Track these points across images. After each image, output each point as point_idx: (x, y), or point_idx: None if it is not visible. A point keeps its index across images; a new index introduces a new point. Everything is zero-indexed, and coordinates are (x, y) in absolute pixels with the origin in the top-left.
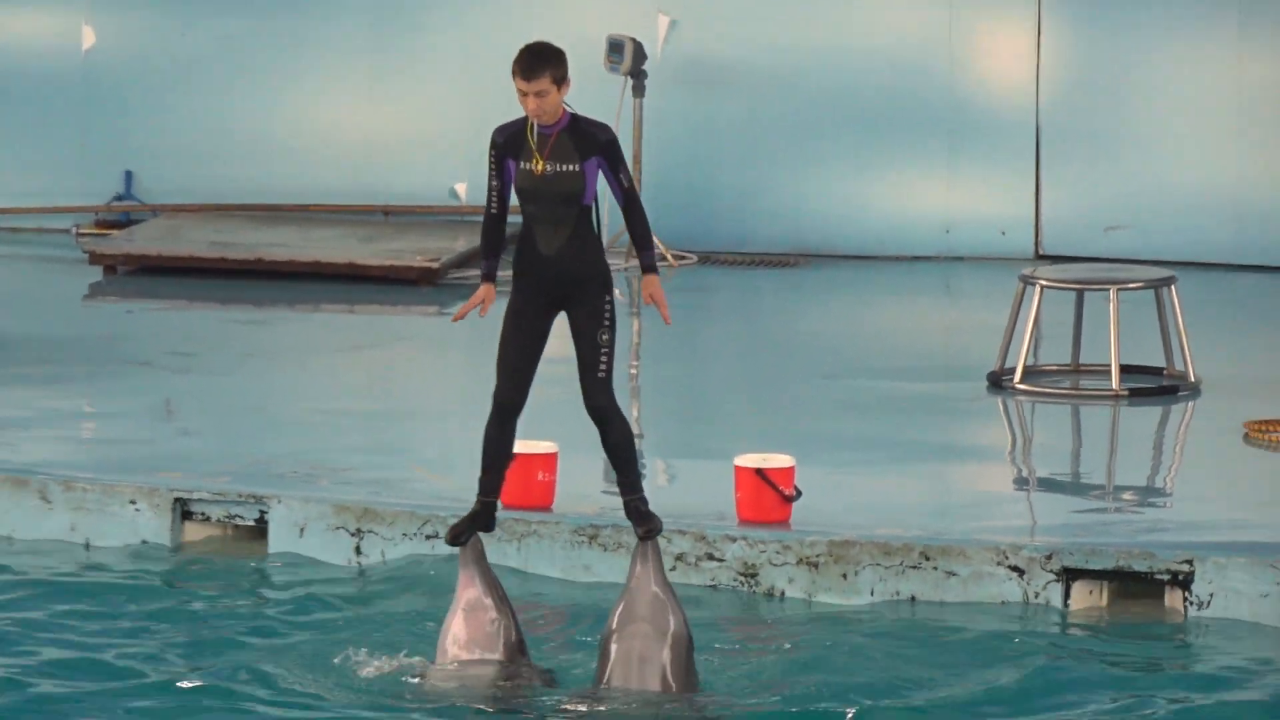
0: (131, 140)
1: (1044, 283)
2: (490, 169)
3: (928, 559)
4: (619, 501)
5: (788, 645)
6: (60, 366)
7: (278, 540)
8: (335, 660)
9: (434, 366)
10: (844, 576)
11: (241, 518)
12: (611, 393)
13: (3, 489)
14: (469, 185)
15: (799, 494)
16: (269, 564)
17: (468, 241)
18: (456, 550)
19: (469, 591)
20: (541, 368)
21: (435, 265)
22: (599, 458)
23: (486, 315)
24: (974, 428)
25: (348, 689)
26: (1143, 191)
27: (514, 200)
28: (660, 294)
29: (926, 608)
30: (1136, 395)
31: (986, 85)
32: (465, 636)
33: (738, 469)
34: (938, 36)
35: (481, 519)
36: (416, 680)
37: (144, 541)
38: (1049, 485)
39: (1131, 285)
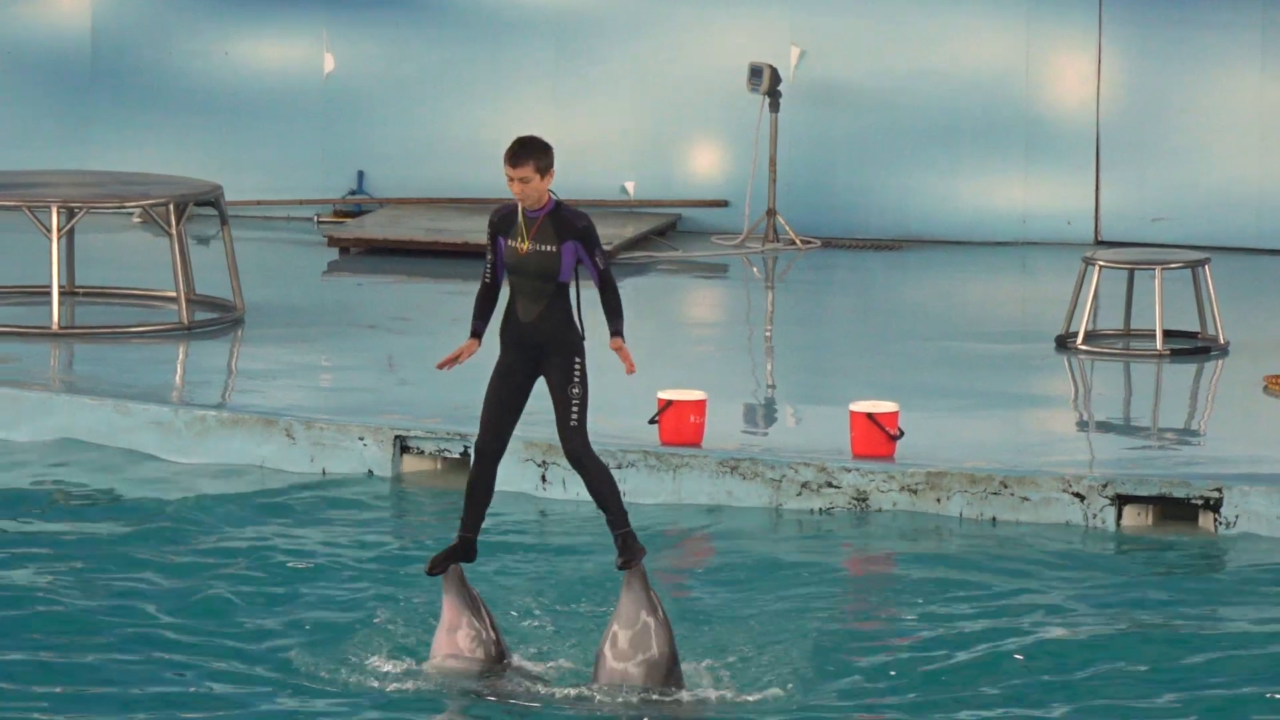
0: (363, 145)
1: (1102, 263)
2: (487, 244)
3: (1006, 487)
4: (758, 438)
5: (890, 557)
6: (303, 328)
7: None
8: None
9: (602, 325)
10: (937, 500)
11: (449, 451)
12: (584, 439)
13: (255, 427)
14: (636, 183)
15: (901, 434)
16: None
17: (635, 228)
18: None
19: (451, 614)
20: (691, 332)
21: (612, 248)
22: (740, 404)
23: (465, 365)
24: (1044, 380)
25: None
26: (1183, 189)
27: None
28: (625, 351)
29: (1005, 527)
30: (1176, 355)
31: (1056, 103)
32: (449, 651)
33: (852, 413)
34: (1016, 63)
35: (460, 552)
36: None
37: (369, 471)
38: (1104, 427)
39: (1173, 265)
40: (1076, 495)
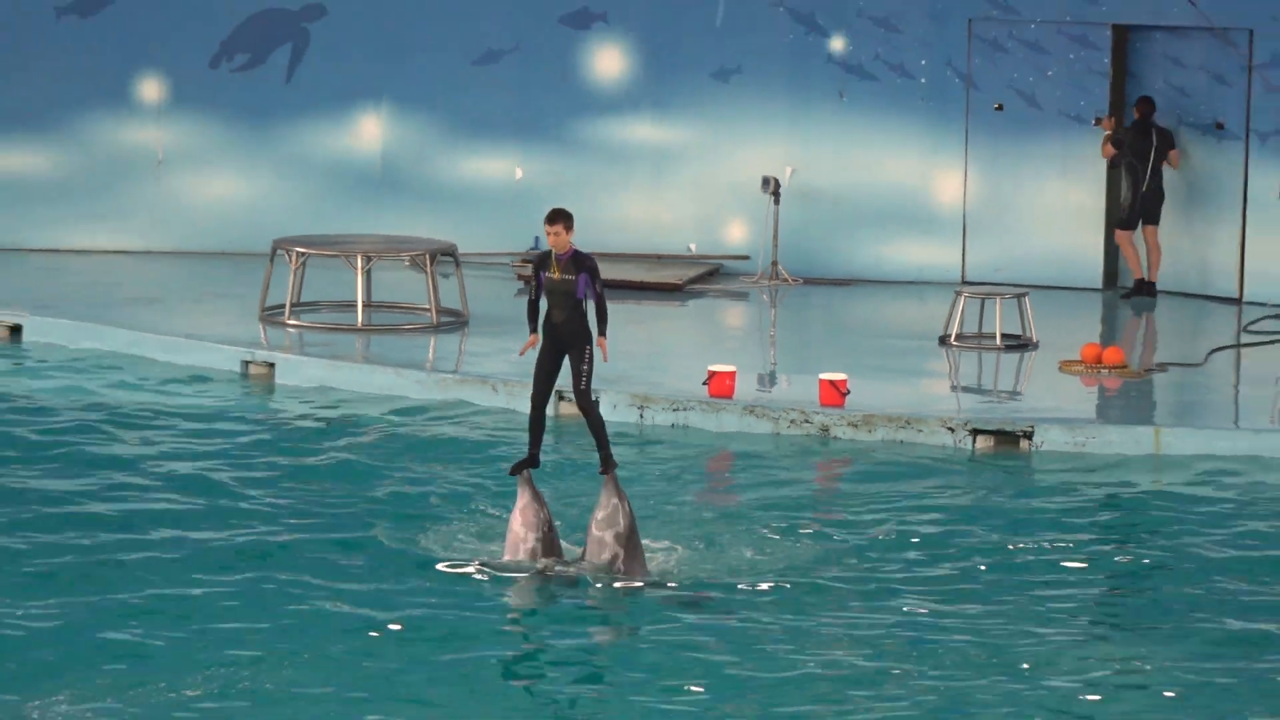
0: (538, 221)
1: (966, 294)
2: (532, 275)
3: (909, 424)
4: (765, 394)
5: (840, 466)
6: (503, 327)
7: (606, 411)
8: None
9: (675, 329)
10: (869, 431)
11: None
12: (589, 396)
13: (475, 384)
14: (696, 244)
15: (849, 392)
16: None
17: (695, 271)
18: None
19: (523, 499)
20: (727, 332)
21: (680, 282)
22: (755, 374)
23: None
24: (931, 362)
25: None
26: (1013, 251)
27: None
28: (604, 346)
29: (908, 447)
30: (1008, 348)
31: (940, 200)
32: (521, 525)
33: (820, 380)
34: (918, 178)
35: (529, 462)
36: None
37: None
38: (967, 388)
39: (1006, 295)
40: (949, 429)
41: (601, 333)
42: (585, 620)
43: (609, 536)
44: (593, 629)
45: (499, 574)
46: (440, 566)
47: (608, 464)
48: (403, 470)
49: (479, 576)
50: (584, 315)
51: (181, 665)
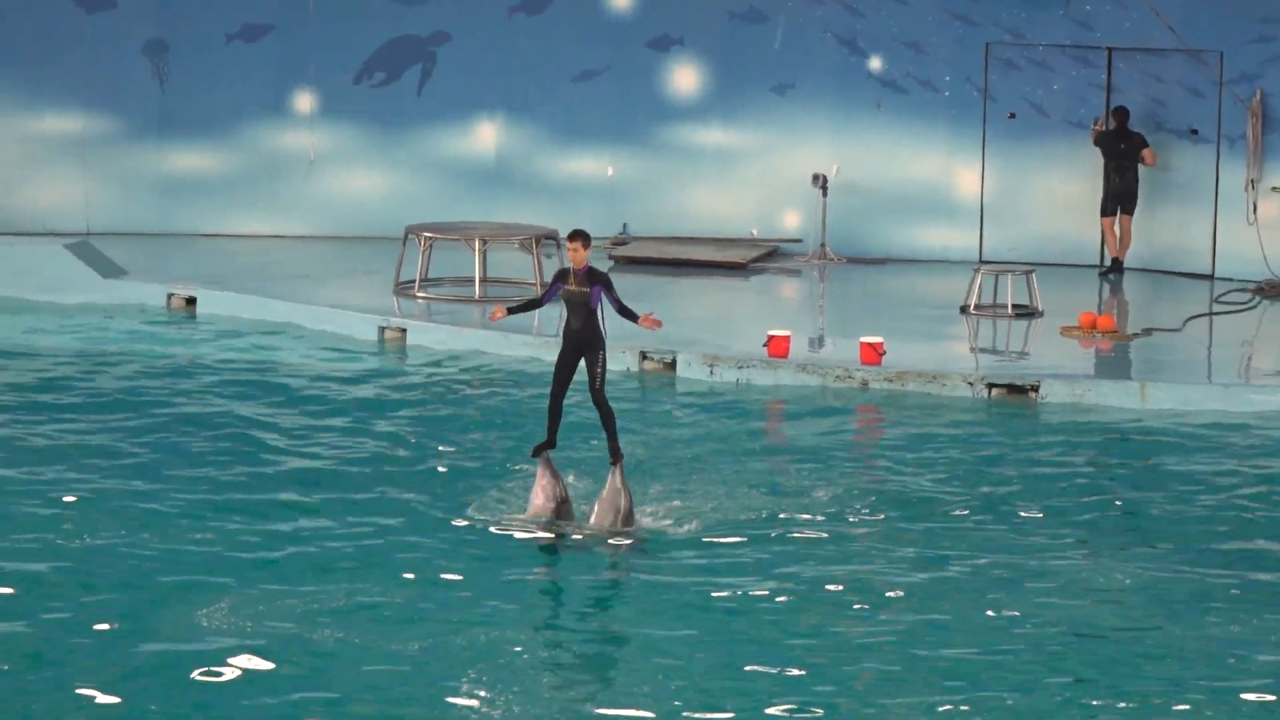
0: (627, 211)
1: (983, 271)
2: (551, 283)
3: (935, 379)
4: (815, 354)
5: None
6: None
7: (681, 369)
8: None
9: (740, 300)
10: (903, 385)
11: (665, 359)
12: (603, 393)
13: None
14: (758, 229)
15: (885, 352)
16: (677, 380)
17: (757, 251)
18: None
19: (542, 473)
20: (784, 303)
21: (744, 261)
22: (807, 337)
23: (498, 321)
24: (954, 328)
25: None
26: (1022, 234)
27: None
28: (653, 318)
29: (935, 397)
30: (1018, 316)
31: (961, 192)
32: (541, 495)
33: (861, 342)
34: (942, 173)
35: (547, 444)
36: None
37: (627, 369)
38: (983, 350)
39: (1017, 271)
40: (969, 383)
41: (637, 315)
42: (590, 572)
43: (610, 510)
44: (595, 578)
45: (524, 531)
46: (491, 517)
47: (616, 455)
48: (499, 417)
49: (509, 532)
50: (597, 324)
51: (295, 585)
